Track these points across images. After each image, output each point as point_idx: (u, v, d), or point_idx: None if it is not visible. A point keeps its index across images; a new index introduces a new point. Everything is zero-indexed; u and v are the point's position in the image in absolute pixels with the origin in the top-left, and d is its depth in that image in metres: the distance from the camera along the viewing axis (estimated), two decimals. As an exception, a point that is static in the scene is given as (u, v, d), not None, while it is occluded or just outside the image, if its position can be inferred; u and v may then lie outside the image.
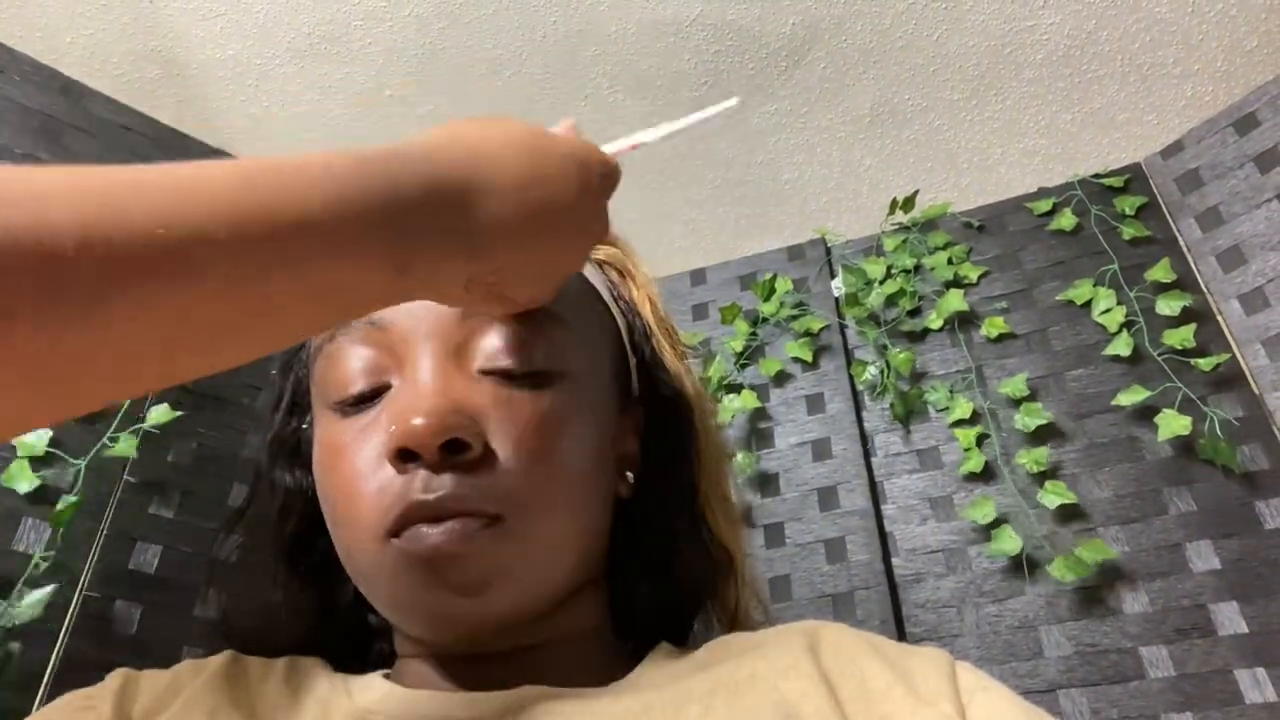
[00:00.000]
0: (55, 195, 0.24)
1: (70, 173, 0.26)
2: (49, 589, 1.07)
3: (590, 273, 0.53)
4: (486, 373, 0.44)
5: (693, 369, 0.58)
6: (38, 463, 1.13)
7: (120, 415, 1.21)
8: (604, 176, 0.45)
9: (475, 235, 0.37)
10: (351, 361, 0.45)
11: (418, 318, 0.45)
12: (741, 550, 0.55)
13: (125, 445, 1.19)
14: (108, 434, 1.19)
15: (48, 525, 1.10)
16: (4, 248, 0.23)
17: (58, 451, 1.14)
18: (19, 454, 1.12)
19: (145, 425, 1.23)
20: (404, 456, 0.41)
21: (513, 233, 0.39)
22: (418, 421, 0.40)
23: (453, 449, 0.41)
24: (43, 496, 1.12)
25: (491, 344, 0.45)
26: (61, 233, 0.24)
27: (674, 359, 0.56)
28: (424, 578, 0.41)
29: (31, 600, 1.05)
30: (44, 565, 1.08)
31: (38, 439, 1.13)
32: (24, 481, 1.10)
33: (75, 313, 0.24)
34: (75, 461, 1.15)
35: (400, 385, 0.44)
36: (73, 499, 1.12)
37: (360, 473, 0.43)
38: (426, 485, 0.41)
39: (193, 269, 0.27)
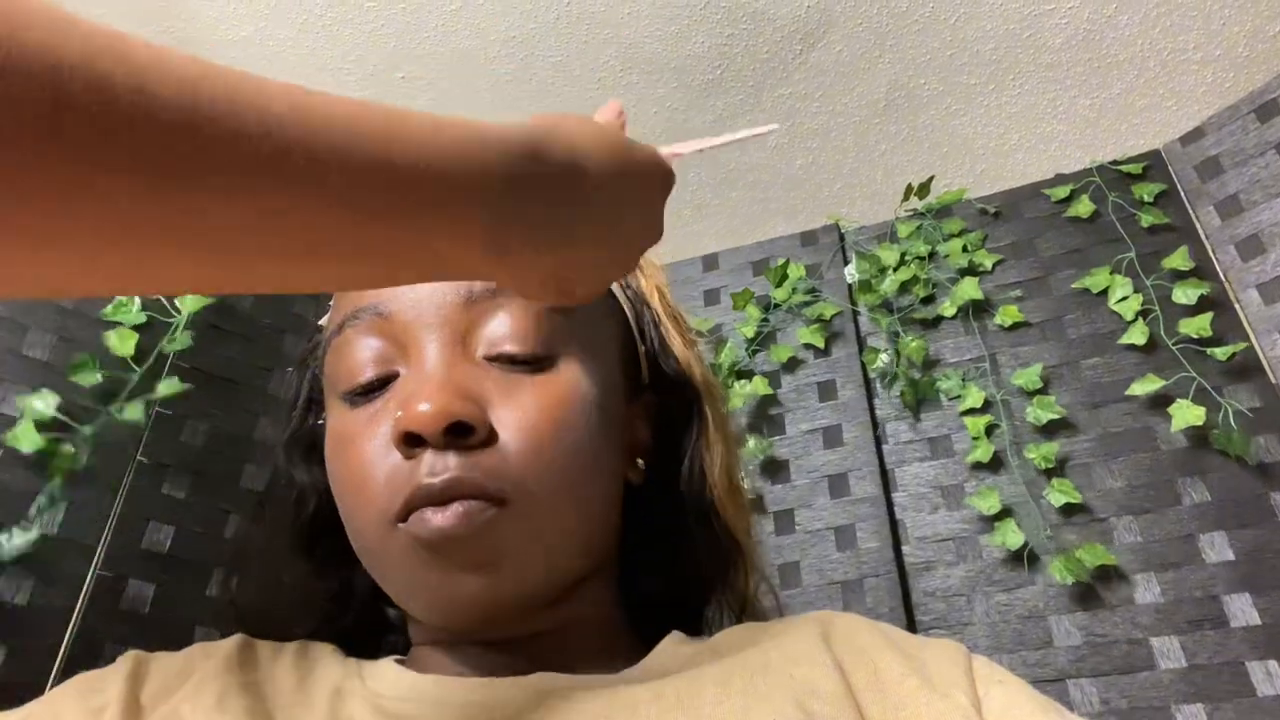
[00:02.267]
0: (164, 70, 0.25)
1: (198, 62, 0.26)
2: (34, 532, 1.09)
3: None
4: (491, 359, 0.45)
5: (703, 357, 0.58)
6: (45, 428, 1.13)
7: (130, 387, 1.22)
8: (666, 180, 0.45)
9: (568, 228, 0.37)
10: (359, 352, 0.46)
11: (422, 307, 0.45)
12: (751, 538, 0.55)
13: (134, 411, 1.20)
14: (116, 404, 1.20)
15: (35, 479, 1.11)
16: (115, 114, 0.23)
17: (65, 418, 1.15)
18: (26, 416, 1.12)
19: (156, 397, 1.24)
20: (410, 441, 0.42)
21: (598, 231, 0.39)
22: (423, 407, 0.40)
23: (458, 433, 0.41)
24: (51, 468, 1.13)
25: (495, 330, 0.45)
26: (168, 107, 0.24)
27: (683, 347, 0.56)
28: (431, 561, 0.41)
29: (19, 541, 1.07)
30: (43, 511, 1.10)
31: (45, 405, 1.13)
32: (27, 443, 1.11)
33: (172, 183, 0.25)
34: (85, 429, 1.16)
35: (407, 373, 0.45)
36: (70, 449, 1.14)
37: (369, 460, 0.43)
38: (431, 469, 0.41)
39: (285, 178, 0.27)
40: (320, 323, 0.54)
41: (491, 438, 0.42)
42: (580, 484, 0.45)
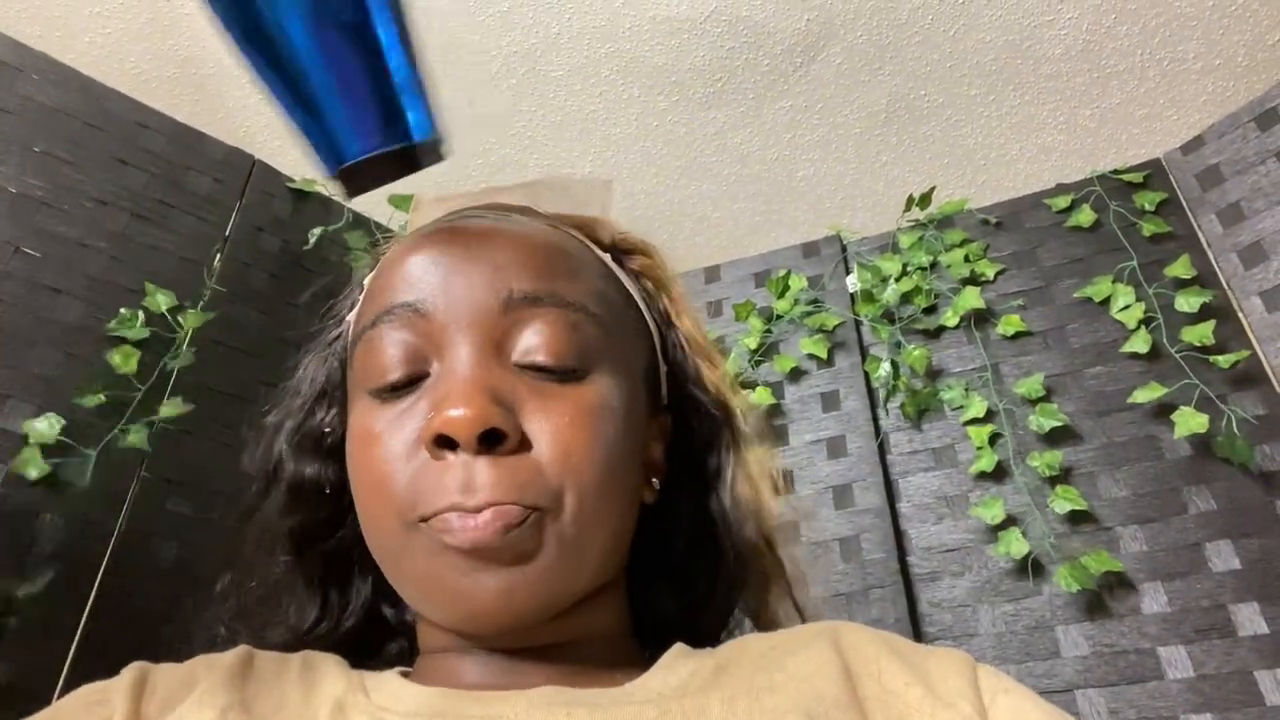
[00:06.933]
0: None
1: None
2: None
3: (626, 281, 0.54)
4: (524, 366, 0.45)
5: (736, 384, 0.58)
6: (50, 451, 1.14)
7: (133, 407, 1.22)
8: None
9: None
10: (391, 348, 0.46)
11: (460, 309, 0.45)
12: (775, 564, 0.55)
13: (137, 437, 1.20)
14: (119, 425, 1.20)
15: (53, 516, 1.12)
16: None
17: (69, 441, 1.15)
18: (31, 441, 1.13)
19: (158, 418, 1.24)
20: (442, 444, 0.42)
21: None
22: (457, 412, 0.41)
23: (490, 440, 0.41)
24: (55, 485, 1.14)
25: (530, 339, 0.45)
26: None
27: (711, 372, 0.55)
28: (455, 563, 0.41)
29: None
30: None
31: (49, 427, 1.14)
32: (33, 469, 1.11)
33: None
34: (87, 451, 1.16)
35: (439, 374, 0.45)
36: (83, 485, 1.14)
37: (395, 458, 0.43)
38: (465, 486, 0.41)
39: None
40: (347, 316, 0.54)
41: (523, 445, 0.42)
42: (606, 496, 0.45)
